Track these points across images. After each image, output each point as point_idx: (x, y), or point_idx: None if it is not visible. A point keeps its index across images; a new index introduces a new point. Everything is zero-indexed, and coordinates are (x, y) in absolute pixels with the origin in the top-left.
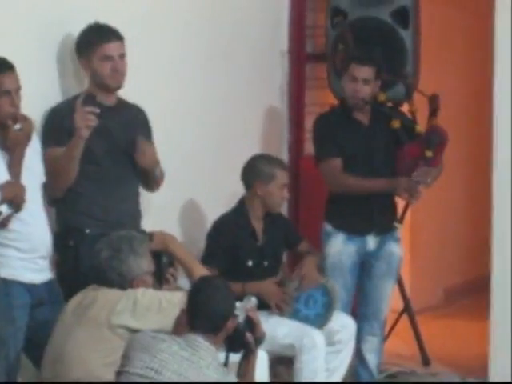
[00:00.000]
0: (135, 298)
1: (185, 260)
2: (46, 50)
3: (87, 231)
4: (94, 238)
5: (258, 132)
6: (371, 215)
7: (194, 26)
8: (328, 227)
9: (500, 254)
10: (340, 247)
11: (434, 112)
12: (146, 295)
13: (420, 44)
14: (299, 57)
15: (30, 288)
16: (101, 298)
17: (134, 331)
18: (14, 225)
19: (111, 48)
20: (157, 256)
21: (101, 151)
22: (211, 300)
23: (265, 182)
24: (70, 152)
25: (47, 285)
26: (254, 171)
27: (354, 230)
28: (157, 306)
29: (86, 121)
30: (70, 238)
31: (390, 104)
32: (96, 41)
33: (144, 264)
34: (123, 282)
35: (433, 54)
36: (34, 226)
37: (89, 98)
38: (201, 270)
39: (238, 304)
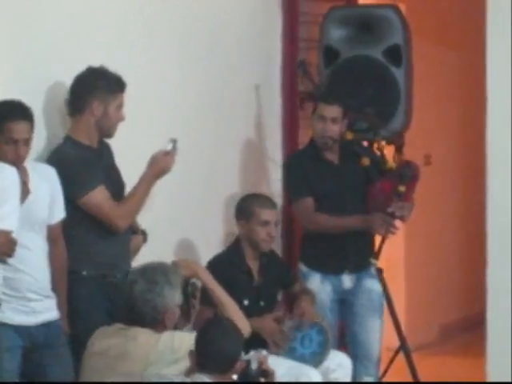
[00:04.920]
0: (172, 348)
1: (214, 289)
2: (33, 97)
3: (84, 273)
4: (90, 280)
5: (251, 172)
6: (345, 254)
7: (187, 68)
8: (303, 268)
9: (495, 291)
10: (318, 286)
11: (399, 148)
12: (182, 344)
13: (413, 82)
14: (292, 95)
15: (20, 330)
16: (132, 350)
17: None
18: None
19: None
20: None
21: None
22: (219, 341)
23: (245, 220)
24: (148, 189)
25: (44, 327)
26: (237, 210)
27: (328, 269)
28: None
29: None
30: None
31: (357, 142)
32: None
33: (177, 296)
34: (156, 316)
35: (426, 91)
36: (22, 270)
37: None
38: (230, 301)
39: (251, 353)
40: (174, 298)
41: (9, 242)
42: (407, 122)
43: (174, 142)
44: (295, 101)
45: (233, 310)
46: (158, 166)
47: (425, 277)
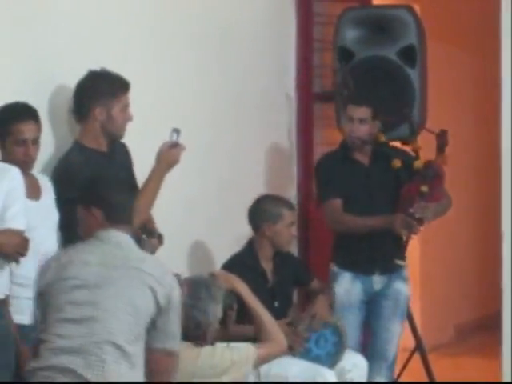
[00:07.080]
0: (211, 365)
1: (251, 301)
2: (39, 99)
3: None
4: None
5: (267, 173)
6: (374, 255)
7: (203, 69)
8: (334, 268)
9: (510, 291)
10: (348, 286)
11: (441, 148)
12: (223, 359)
13: (427, 82)
14: (307, 96)
15: None
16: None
17: None
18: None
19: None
20: None
21: None
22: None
23: (273, 223)
24: (160, 183)
25: None
26: (261, 212)
27: (359, 269)
28: (229, 364)
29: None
30: None
31: (391, 144)
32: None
33: (218, 311)
34: (198, 331)
35: (441, 93)
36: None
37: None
38: (266, 313)
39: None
40: (216, 313)
41: (23, 241)
42: (422, 123)
43: (178, 131)
44: (309, 102)
45: (269, 323)
46: (167, 160)
47: (440, 277)
